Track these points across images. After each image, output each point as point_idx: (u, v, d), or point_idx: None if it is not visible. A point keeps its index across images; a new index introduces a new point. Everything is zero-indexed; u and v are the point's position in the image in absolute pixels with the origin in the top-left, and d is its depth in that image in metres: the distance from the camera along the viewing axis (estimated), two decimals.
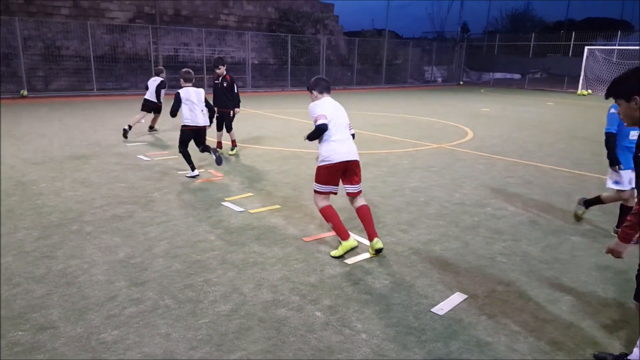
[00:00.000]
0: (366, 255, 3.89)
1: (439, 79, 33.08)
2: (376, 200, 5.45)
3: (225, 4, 23.40)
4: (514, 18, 46.38)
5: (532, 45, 29.86)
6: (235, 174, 6.48)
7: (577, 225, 4.77)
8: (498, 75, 33.31)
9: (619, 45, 25.50)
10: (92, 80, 18.20)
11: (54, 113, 12.48)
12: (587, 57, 24.91)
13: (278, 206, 5.14)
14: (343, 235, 3.87)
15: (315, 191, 3.93)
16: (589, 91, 24.83)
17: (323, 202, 3.92)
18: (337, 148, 3.77)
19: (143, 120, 9.41)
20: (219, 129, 7.77)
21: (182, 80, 6.31)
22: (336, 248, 3.90)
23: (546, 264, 3.84)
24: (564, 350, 2.67)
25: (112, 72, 19.25)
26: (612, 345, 2.72)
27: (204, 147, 6.36)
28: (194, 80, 6.39)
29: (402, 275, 3.56)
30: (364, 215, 3.93)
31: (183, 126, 6.23)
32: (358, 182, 3.96)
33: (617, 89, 2.25)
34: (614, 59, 24.56)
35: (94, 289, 3.24)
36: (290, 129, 10.75)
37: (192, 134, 6.23)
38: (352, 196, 4.00)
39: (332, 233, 4.29)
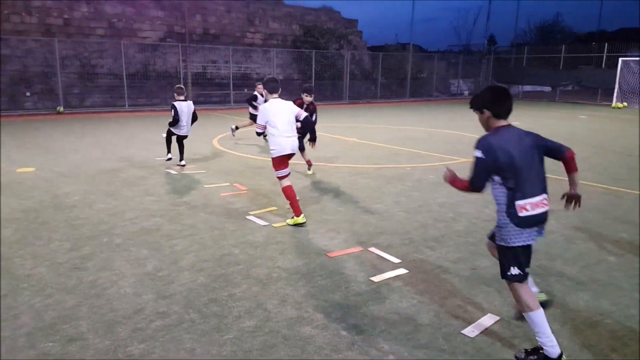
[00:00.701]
0: (393, 273, 3.82)
1: (466, 92, 32.71)
2: (401, 215, 5.37)
3: (251, 22, 23.90)
4: (543, 30, 45.51)
5: (562, 57, 29.23)
6: (259, 188, 6.52)
7: (614, 245, 4.56)
8: (527, 87, 32.67)
9: None
10: (124, 97, 18.81)
11: (88, 128, 12.92)
12: (621, 68, 24.19)
13: (302, 221, 5.12)
14: (297, 211, 4.95)
15: (278, 177, 5.06)
16: (625, 104, 24.05)
17: (286, 183, 5.04)
18: (283, 143, 4.92)
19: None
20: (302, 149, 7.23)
21: (175, 94, 7.58)
22: (291, 218, 4.96)
23: (583, 285, 3.67)
24: None
25: (143, 89, 19.85)
26: None
27: (180, 150, 7.80)
28: (184, 94, 7.71)
29: (430, 294, 3.47)
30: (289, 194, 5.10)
31: (170, 130, 7.75)
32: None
33: (472, 102, 2.87)
34: None
35: (122, 302, 3.28)
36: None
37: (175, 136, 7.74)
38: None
39: (359, 249, 4.27)
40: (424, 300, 3.37)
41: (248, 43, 23.69)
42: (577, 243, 4.59)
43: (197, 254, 4.15)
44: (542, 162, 2.73)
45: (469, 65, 32.98)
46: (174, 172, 7.45)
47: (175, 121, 7.46)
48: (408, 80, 28.34)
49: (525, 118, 17.74)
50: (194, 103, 8.07)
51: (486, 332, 2.97)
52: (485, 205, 5.82)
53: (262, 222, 5.03)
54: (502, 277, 2.65)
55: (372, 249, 4.31)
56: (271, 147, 4.99)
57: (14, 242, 4.36)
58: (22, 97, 17.49)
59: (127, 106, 18.76)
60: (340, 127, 13.88)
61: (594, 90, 27.20)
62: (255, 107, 10.31)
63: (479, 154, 2.63)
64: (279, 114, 4.89)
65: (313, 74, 23.82)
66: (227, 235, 4.64)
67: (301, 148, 7.00)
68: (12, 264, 3.89)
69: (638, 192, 6.62)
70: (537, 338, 2.58)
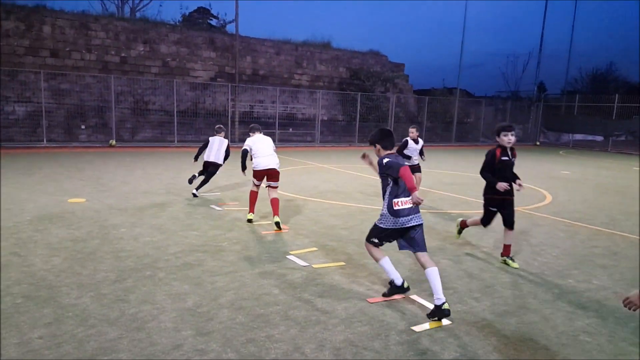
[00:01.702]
0: (434, 324, 3.67)
1: (513, 139, 32.01)
2: (444, 262, 5.20)
3: (299, 64, 24.78)
4: (595, 78, 44.43)
5: (615, 106, 28.28)
6: (301, 228, 6.53)
7: None
8: (578, 136, 31.59)
9: None
10: (173, 133, 19.72)
11: (138, 162, 13.55)
12: None
13: (342, 263, 5.07)
14: (250, 209, 6.69)
15: (253, 184, 6.63)
16: None
17: (254, 189, 6.66)
18: (259, 162, 6.49)
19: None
20: None
21: (215, 132, 8.92)
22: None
23: (637, 348, 3.38)
24: None
25: (192, 125, 20.77)
26: None
27: (207, 175, 8.65)
28: (223, 133, 8.92)
29: (474, 348, 3.30)
30: (274, 203, 6.46)
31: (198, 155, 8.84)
32: (276, 181, 6.58)
33: (369, 140, 4.10)
34: None
35: (161, 336, 3.31)
36: (357, 185, 10.78)
37: (205, 164, 8.66)
38: (271, 189, 6.57)
39: (401, 296, 4.18)
40: (467, 354, 3.20)
41: (295, 84, 24.49)
42: None
43: (237, 292, 4.16)
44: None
45: (518, 112, 32.44)
46: (218, 208, 7.61)
47: (201, 148, 8.68)
48: (454, 124, 28.16)
49: (576, 168, 17.08)
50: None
51: None
52: (533, 258, 5.57)
53: (302, 263, 5.01)
54: (365, 239, 4.09)
55: (414, 297, 4.18)
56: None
57: (61, 271, 4.53)
58: (78, 130, 18.70)
59: (175, 142, 19.62)
60: None
61: None
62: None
63: (389, 160, 3.84)
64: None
65: (357, 116, 24.16)
66: (268, 274, 4.64)
67: None
68: (59, 292, 4.03)
69: None
70: (388, 276, 4.12)
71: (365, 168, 14.29)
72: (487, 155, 5.18)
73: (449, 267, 5.09)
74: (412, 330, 3.54)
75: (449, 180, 12.19)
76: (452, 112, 28.45)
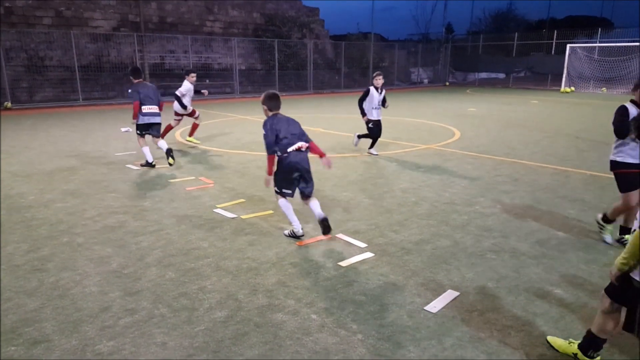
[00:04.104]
0: (359, 257, 3.93)
1: (425, 81, 33.35)
2: (367, 202, 5.49)
3: (210, 10, 23.38)
4: (497, 18, 46.96)
5: (515, 44, 30.27)
6: (227, 181, 6.48)
7: (563, 221, 4.86)
8: (483, 75, 33.67)
9: (599, 42, 25.97)
10: (77, 91, 18.06)
11: (40, 124, 12.36)
12: (569, 54, 25.34)
13: (271, 212, 5.16)
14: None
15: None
16: (572, 88, 25.23)
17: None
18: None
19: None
20: None
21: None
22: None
23: (535, 260, 3.91)
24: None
25: (97, 81, 19.11)
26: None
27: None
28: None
29: (395, 275, 3.61)
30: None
31: None
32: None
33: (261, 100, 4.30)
34: (596, 56, 25.01)
35: (87, 301, 3.23)
36: None
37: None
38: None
39: (327, 236, 4.33)
40: (389, 280, 3.50)
41: (207, 32, 23.19)
42: (529, 221, 4.86)
43: (165, 249, 4.11)
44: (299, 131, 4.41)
45: (428, 54, 33.61)
46: (136, 168, 7.28)
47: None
48: (370, 69, 28.59)
49: (482, 105, 18.34)
50: None
51: (447, 307, 3.12)
52: (444, 190, 6.04)
53: (230, 215, 5.03)
54: (275, 192, 4.46)
55: (340, 236, 4.41)
56: None
57: None
58: None
59: (80, 100, 18.04)
60: (306, 117, 13.87)
61: (544, 76, 28.37)
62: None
63: (264, 131, 4.25)
64: None
65: (276, 64, 23.63)
66: (195, 229, 4.61)
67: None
68: None
69: (585, 172, 7.03)
70: (290, 223, 4.41)
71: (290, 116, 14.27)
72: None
73: (371, 205, 5.38)
74: (339, 265, 3.77)
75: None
76: (368, 57, 28.79)
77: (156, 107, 7.20)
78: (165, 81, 20.48)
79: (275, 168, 4.35)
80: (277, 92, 4.44)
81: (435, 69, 34.04)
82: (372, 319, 2.99)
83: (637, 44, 23.43)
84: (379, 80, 8.00)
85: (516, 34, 30.80)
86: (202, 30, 23.05)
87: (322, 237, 4.33)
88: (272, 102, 4.31)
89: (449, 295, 3.29)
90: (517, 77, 31.77)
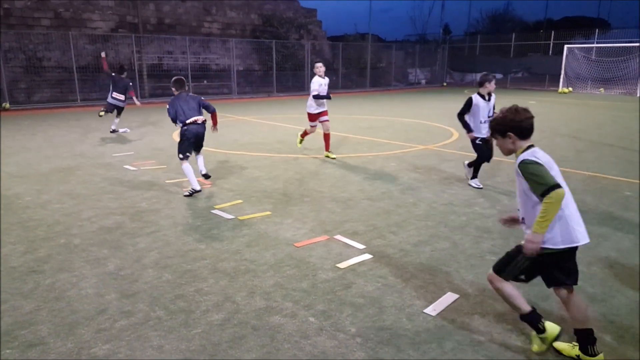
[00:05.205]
0: (358, 259, 3.90)
1: (423, 81, 33.38)
2: (365, 203, 5.47)
3: (208, 11, 23.35)
4: (495, 19, 47.05)
5: (512, 45, 30.33)
6: (224, 182, 6.45)
7: None
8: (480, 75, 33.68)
9: (597, 43, 26.04)
10: (75, 91, 18.00)
11: (38, 125, 12.31)
12: (566, 55, 25.40)
13: (268, 212, 5.13)
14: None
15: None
16: (570, 89, 25.28)
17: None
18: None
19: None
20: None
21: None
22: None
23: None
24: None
25: (95, 82, 19.04)
26: (602, 338, 2.76)
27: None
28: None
29: (393, 277, 3.58)
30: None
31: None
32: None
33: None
34: (593, 57, 25.07)
35: (83, 303, 3.19)
36: (277, 135, 10.76)
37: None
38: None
39: (325, 237, 4.32)
40: (388, 283, 3.48)
41: (205, 33, 23.15)
42: None
43: (161, 251, 4.08)
44: (200, 107, 5.80)
45: (426, 55, 33.64)
46: (133, 168, 7.24)
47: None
48: (368, 70, 28.61)
49: None
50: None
51: (447, 309, 3.10)
52: (442, 190, 6.02)
53: (228, 216, 5.00)
54: (180, 159, 5.74)
55: (338, 237, 4.38)
56: None
57: None
58: None
59: (78, 101, 17.98)
60: (304, 117, 13.85)
61: (542, 76, 28.43)
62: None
63: (168, 106, 5.69)
64: None
65: (274, 65, 23.61)
66: (192, 231, 4.58)
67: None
68: None
69: (584, 173, 7.02)
70: (190, 183, 5.67)
71: (286, 118, 14.24)
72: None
73: (369, 205, 5.36)
74: (337, 267, 3.74)
75: (365, 124, 12.55)
76: (365, 57, 28.81)
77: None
78: (163, 82, 20.46)
79: (179, 139, 5.75)
80: (183, 78, 5.96)
81: (432, 70, 34.07)
82: (370, 321, 2.96)
83: (635, 44, 23.51)
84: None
85: (513, 35, 30.88)
86: (200, 31, 23.01)
87: (320, 238, 4.32)
88: (176, 84, 5.77)
89: (449, 297, 3.26)
90: (515, 77, 31.83)
